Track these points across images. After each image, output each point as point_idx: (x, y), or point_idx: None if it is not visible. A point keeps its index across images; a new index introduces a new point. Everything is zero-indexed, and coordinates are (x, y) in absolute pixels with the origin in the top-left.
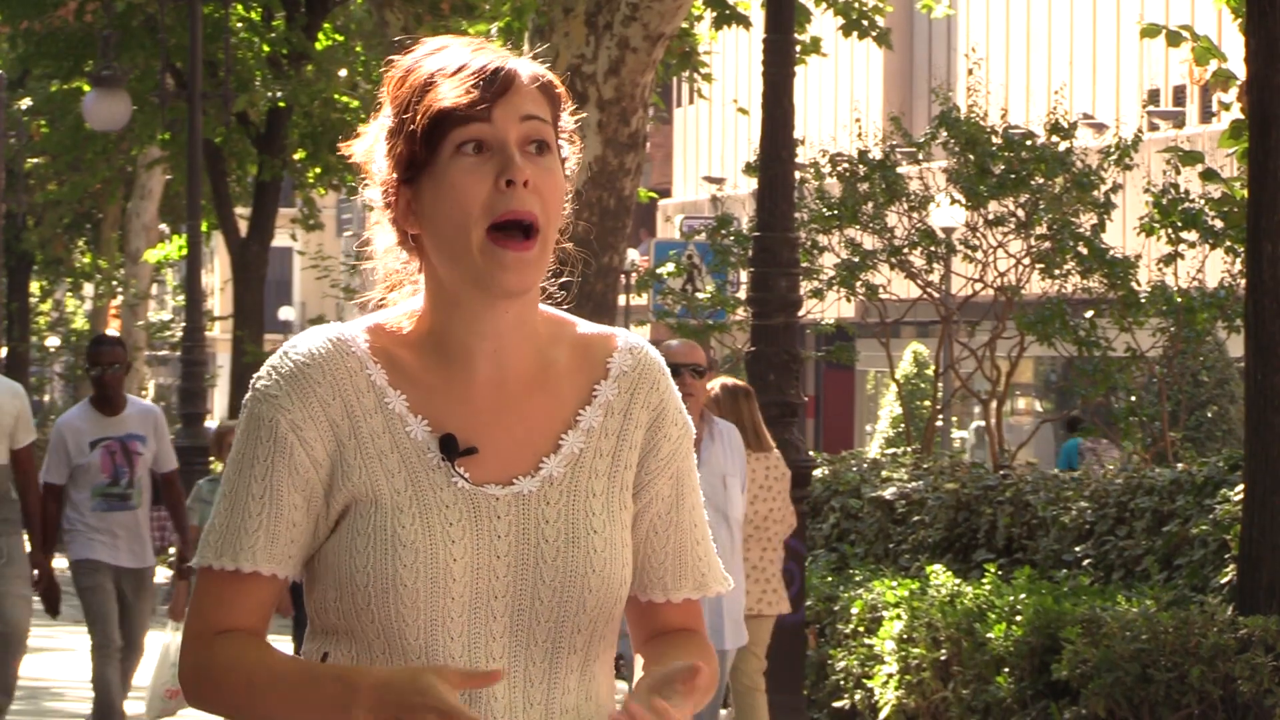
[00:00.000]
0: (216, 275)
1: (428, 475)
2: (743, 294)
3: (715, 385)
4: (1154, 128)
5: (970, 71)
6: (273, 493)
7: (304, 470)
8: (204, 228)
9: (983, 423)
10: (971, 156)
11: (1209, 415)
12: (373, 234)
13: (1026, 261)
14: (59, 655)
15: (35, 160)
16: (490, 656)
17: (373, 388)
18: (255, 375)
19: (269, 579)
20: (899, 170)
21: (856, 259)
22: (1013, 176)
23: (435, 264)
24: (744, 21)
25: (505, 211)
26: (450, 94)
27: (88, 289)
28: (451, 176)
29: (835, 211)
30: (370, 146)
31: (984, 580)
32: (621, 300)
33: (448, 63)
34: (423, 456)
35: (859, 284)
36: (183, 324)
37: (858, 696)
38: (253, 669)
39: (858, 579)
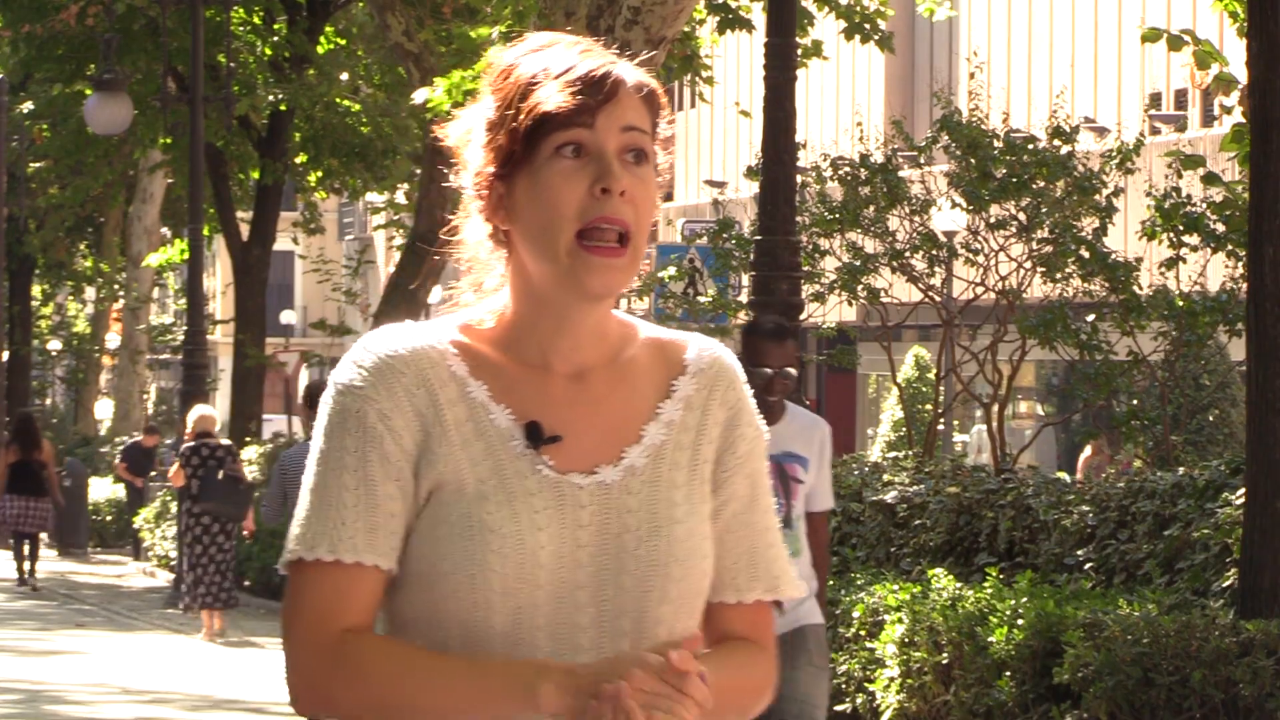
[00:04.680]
0: (218, 279)
1: (512, 463)
2: (744, 298)
3: None
4: (1156, 131)
5: (972, 75)
6: (368, 483)
7: (395, 459)
8: (205, 231)
9: (984, 426)
10: (973, 160)
11: (1210, 419)
12: (460, 224)
13: (1028, 265)
14: (57, 659)
15: (37, 164)
16: (577, 647)
17: (454, 378)
18: (334, 371)
19: (371, 570)
20: (900, 174)
21: (858, 263)
22: (1014, 180)
23: (524, 260)
24: (746, 25)
25: (598, 217)
26: (556, 96)
27: (89, 293)
28: (547, 177)
29: (836, 215)
30: (465, 134)
31: (985, 584)
32: (623, 304)
33: (554, 63)
34: (507, 444)
35: (860, 287)
36: (184, 327)
37: (859, 700)
38: (407, 661)
39: (859, 583)
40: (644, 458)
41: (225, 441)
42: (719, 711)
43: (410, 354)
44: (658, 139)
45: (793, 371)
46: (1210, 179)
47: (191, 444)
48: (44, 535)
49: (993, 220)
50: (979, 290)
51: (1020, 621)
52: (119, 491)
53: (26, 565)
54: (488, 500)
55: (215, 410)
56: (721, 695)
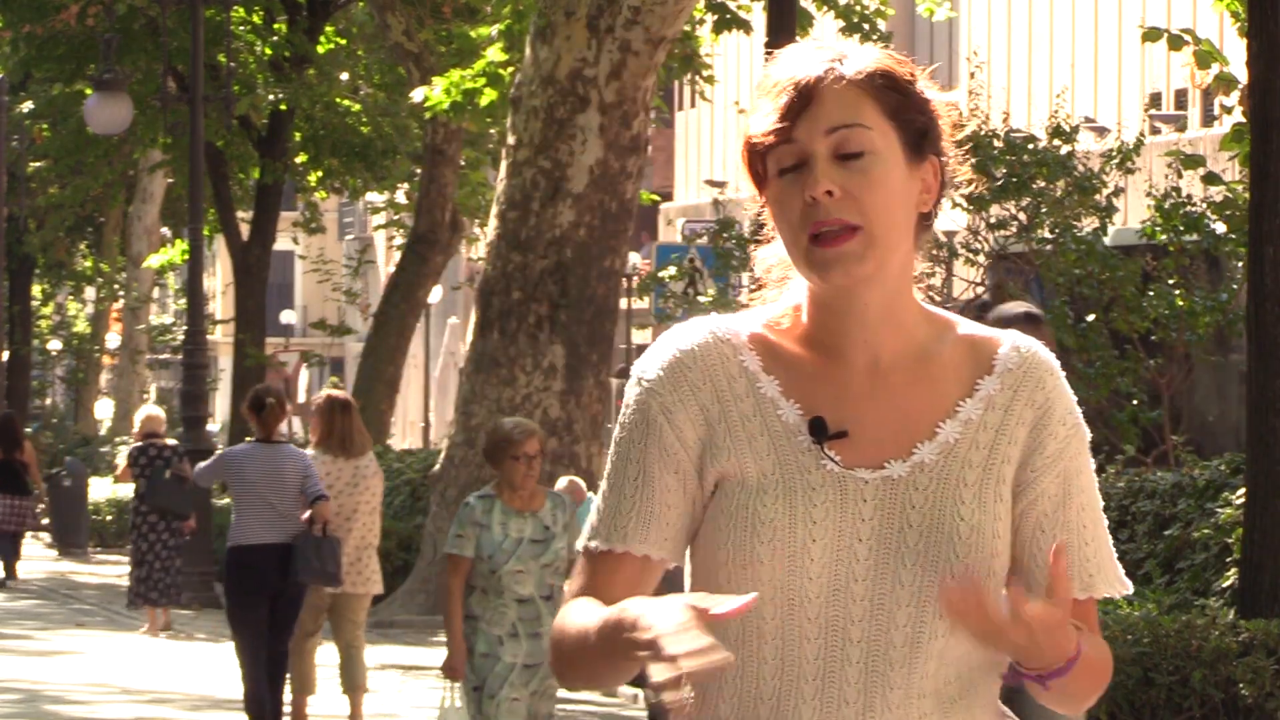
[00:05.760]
0: (218, 278)
1: (797, 458)
2: (745, 297)
3: (319, 397)
4: (1156, 131)
5: (972, 75)
6: (645, 475)
7: (674, 452)
8: (206, 231)
9: None
10: (973, 160)
11: (1210, 419)
12: (761, 245)
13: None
14: (57, 659)
15: (37, 164)
16: (847, 640)
17: (745, 373)
18: (635, 363)
19: (640, 560)
20: None
21: None
22: (1014, 180)
23: None
24: (744, 26)
25: (814, 224)
26: (757, 123)
27: (89, 292)
28: (774, 195)
29: None
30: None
31: None
32: (623, 303)
33: (767, 83)
34: (793, 439)
35: None
36: (184, 327)
37: None
38: (565, 628)
39: None
40: (935, 454)
41: (172, 442)
42: (1083, 684)
43: (701, 349)
44: (911, 113)
45: None
46: (1210, 179)
47: (139, 444)
48: (39, 534)
49: (993, 220)
50: (979, 290)
51: None
52: (119, 491)
53: (14, 563)
54: (766, 494)
55: (162, 411)
56: (1080, 678)
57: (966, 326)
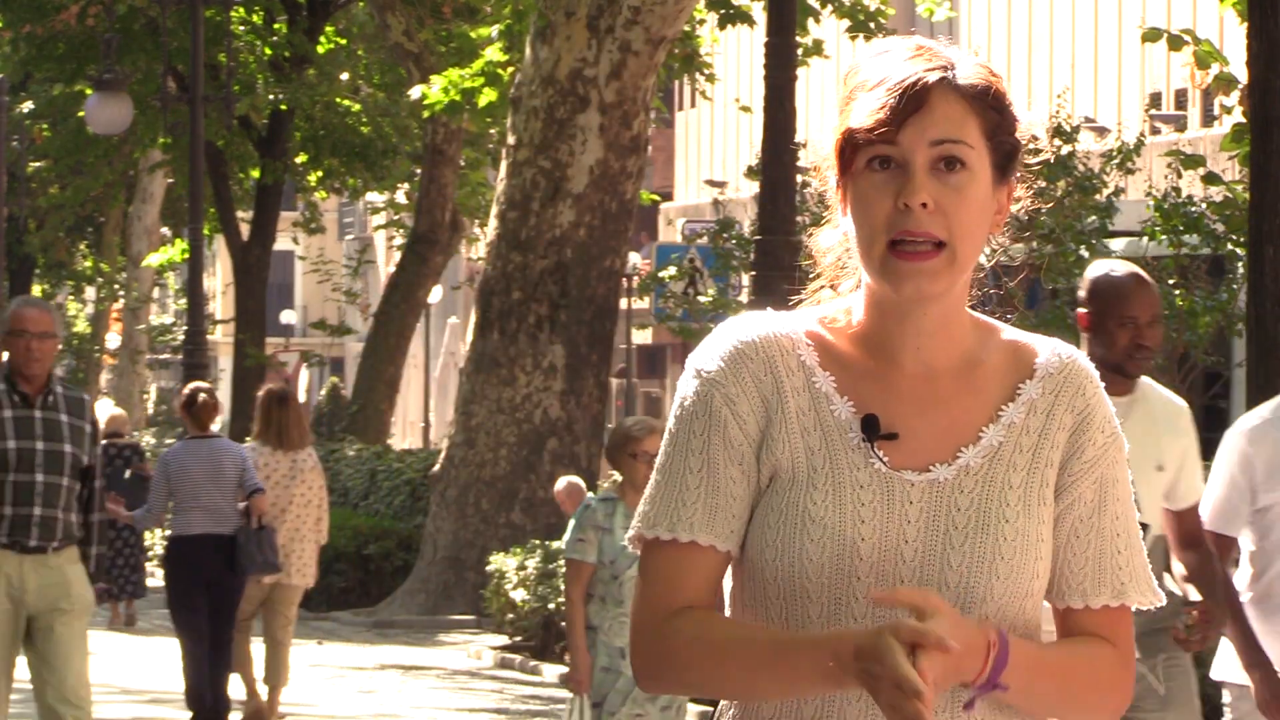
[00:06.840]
0: (218, 279)
1: (847, 455)
2: (744, 297)
3: (261, 393)
4: (1156, 131)
5: None
6: (710, 466)
7: (737, 444)
8: (206, 231)
9: None
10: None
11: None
12: (823, 227)
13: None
14: None
15: (37, 164)
16: None
17: (802, 367)
18: (691, 355)
19: (708, 550)
20: None
21: None
22: None
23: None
24: (747, 19)
25: (901, 230)
26: (862, 113)
27: (90, 292)
28: (861, 189)
29: None
30: (824, 143)
31: None
32: (623, 303)
33: (875, 73)
34: (844, 436)
35: None
36: (184, 327)
37: None
38: (723, 640)
39: None
40: (980, 458)
41: (132, 440)
42: (1050, 697)
43: (762, 340)
44: (1005, 135)
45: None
46: (1210, 179)
47: (102, 443)
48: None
49: None
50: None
51: None
52: None
53: None
54: (816, 490)
55: (123, 410)
56: (1043, 675)
57: (1010, 332)
